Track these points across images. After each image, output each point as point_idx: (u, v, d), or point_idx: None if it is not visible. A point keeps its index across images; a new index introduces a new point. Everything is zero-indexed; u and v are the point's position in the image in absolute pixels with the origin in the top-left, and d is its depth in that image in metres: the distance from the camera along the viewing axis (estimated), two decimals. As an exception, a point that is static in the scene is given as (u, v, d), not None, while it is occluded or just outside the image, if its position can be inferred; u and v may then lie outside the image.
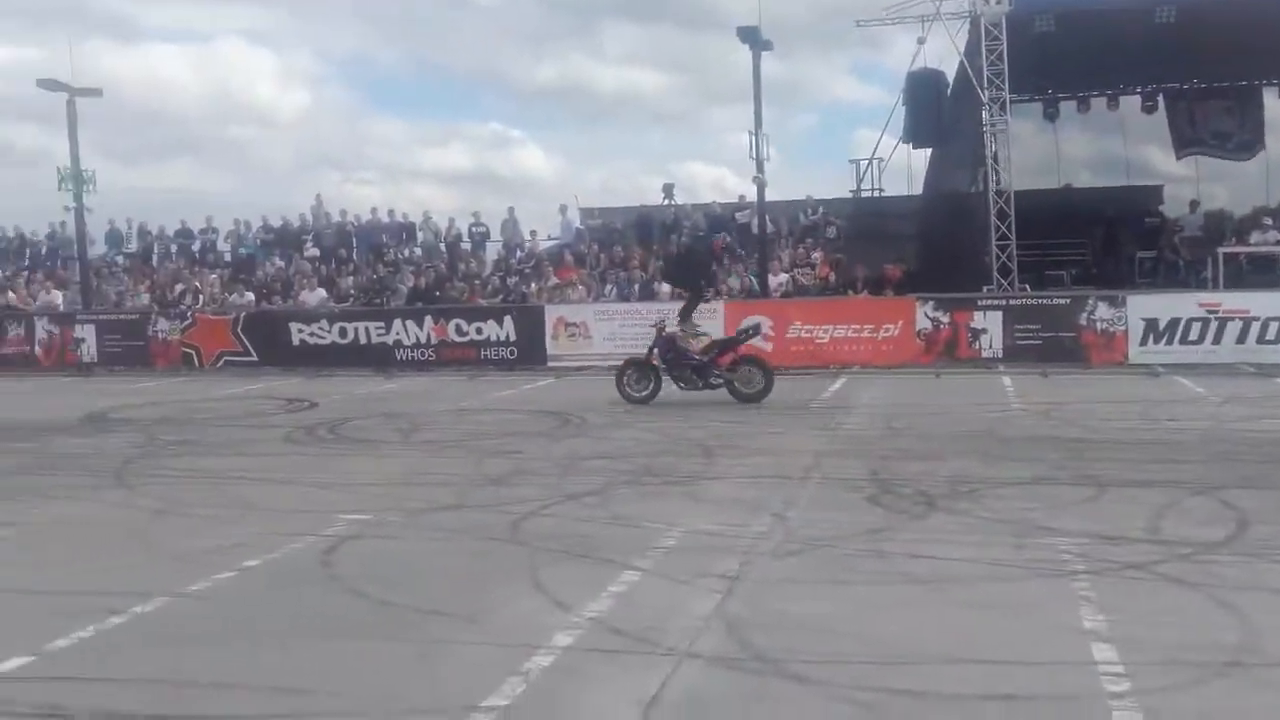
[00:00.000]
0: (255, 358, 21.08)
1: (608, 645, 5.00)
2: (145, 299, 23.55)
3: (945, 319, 18.55)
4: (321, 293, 22.58)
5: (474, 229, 25.67)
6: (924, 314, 18.61)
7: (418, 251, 25.44)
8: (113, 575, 6.39)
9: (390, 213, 26.46)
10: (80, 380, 20.62)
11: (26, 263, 26.94)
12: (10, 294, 24.14)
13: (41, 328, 22.46)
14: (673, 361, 14.23)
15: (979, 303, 18.69)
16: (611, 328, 19.84)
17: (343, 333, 20.90)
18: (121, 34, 65.96)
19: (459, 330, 20.42)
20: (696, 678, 4.61)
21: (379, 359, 20.45)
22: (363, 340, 20.78)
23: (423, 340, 20.52)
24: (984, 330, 18.40)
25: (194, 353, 21.45)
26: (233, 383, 18.86)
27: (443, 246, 25.25)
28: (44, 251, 27.13)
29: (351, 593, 5.99)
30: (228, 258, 26.21)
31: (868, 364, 18.45)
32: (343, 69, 69.33)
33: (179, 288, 23.73)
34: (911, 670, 4.60)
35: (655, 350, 14.38)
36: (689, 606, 5.55)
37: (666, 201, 25.88)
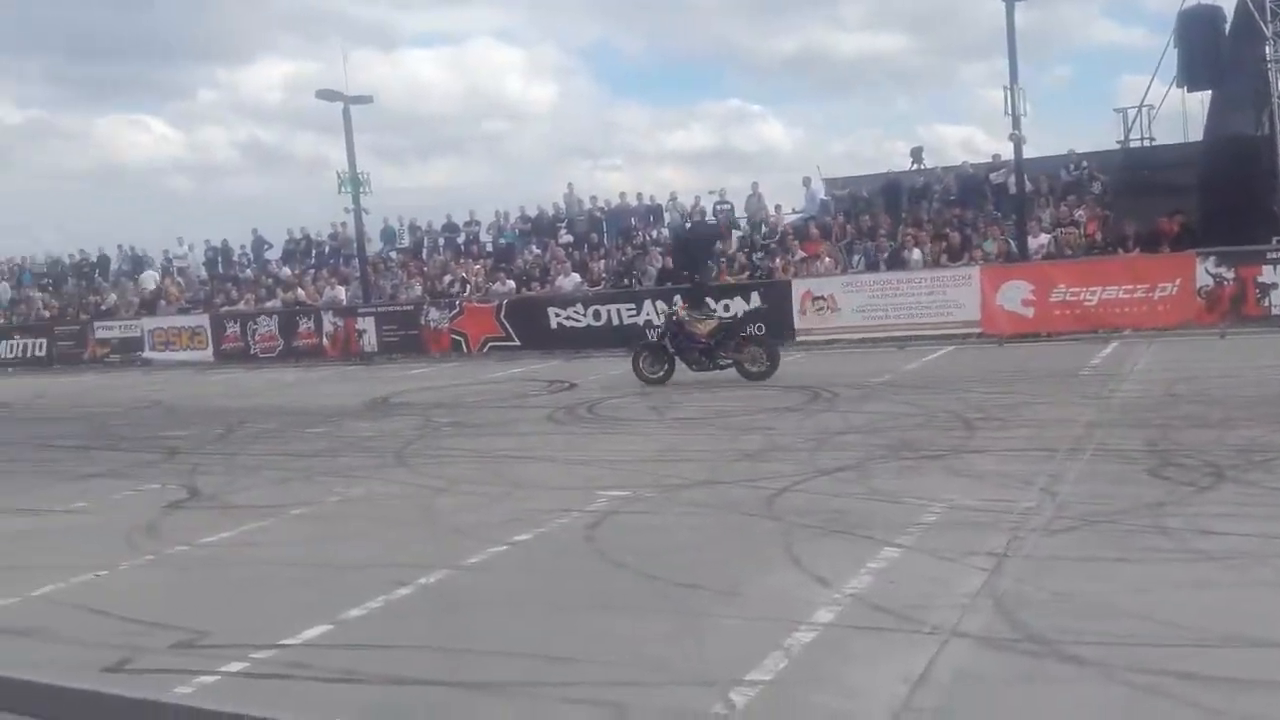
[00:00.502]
0: (517, 342, 22.08)
1: (870, 622, 4.93)
2: (418, 290, 25.12)
3: (1230, 275, 17.04)
4: (576, 277, 23.36)
5: (718, 207, 25.80)
6: (1205, 270, 17.17)
7: (664, 233, 25.85)
8: (399, 549, 6.88)
9: (638, 196, 26.99)
10: (363, 368, 22.27)
11: (313, 262, 29.31)
12: (300, 291, 26.38)
13: (328, 321, 24.40)
14: (682, 345, 14.91)
15: (1268, 255, 17.05)
16: (860, 299, 19.48)
17: (596, 315, 21.54)
18: (384, 43, 70.45)
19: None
20: (965, 657, 4.47)
21: (631, 339, 20.96)
22: (615, 322, 21.34)
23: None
24: (1274, 285, 16.78)
25: (462, 339, 22.71)
26: (497, 366, 19.86)
27: (688, 226, 25.52)
28: (327, 251, 29.43)
29: (615, 566, 6.19)
30: (489, 248, 27.52)
31: (1141, 327, 17.21)
32: (586, 60, 71.36)
33: (447, 278, 25.16)
34: (1199, 654, 4.28)
35: (666, 335, 15.16)
36: (954, 584, 5.39)
37: (915, 166, 25.07)
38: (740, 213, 25.33)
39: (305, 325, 24.65)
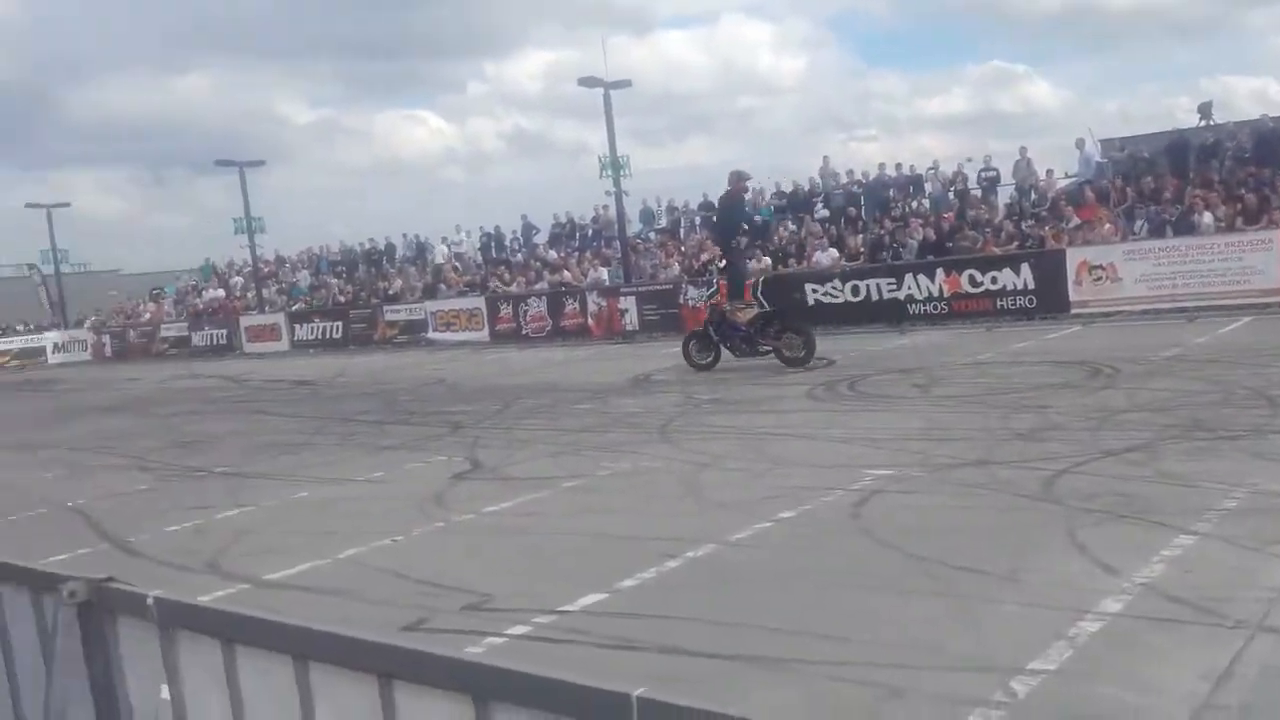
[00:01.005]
0: (779, 318, 22.03)
1: (1164, 614, 4.62)
2: (675, 269, 25.56)
3: None
4: (833, 252, 23.06)
5: (983, 174, 24.73)
6: None
7: (925, 204, 25.04)
8: (668, 523, 7.06)
9: (897, 167, 26.29)
10: (625, 346, 22.92)
11: (576, 244, 30.41)
12: (565, 272, 27.43)
13: (592, 301, 25.26)
14: (724, 333, 15.55)
15: None
16: (1144, 268, 18.17)
17: (855, 290, 21.18)
18: (639, 27, 71.90)
19: (973, 281, 19.82)
20: (1273, 654, 4.11)
21: (891, 314, 20.48)
22: (874, 297, 20.91)
23: (935, 293, 20.20)
24: None
25: (720, 317, 22.91)
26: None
27: (951, 195, 24.62)
28: (590, 233, 30.45)
29: (883, 545, 6.09)
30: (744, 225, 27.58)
31: None
32: (836, 29, 70.16)
33: (704, 257, 25.45)
34: None
35: (710, 324, 15.79)
36: (1260, 576, 4.96)
37: (1204, 122, 23.09)
38: (1007, 180, 24.20)
39: (571, 305, 25.61)
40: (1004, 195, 24.17)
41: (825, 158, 28.44)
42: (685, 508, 7.50)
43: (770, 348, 15.26)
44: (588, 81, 25.07)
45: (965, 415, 10.15)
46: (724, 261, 16.52)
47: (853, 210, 25.79)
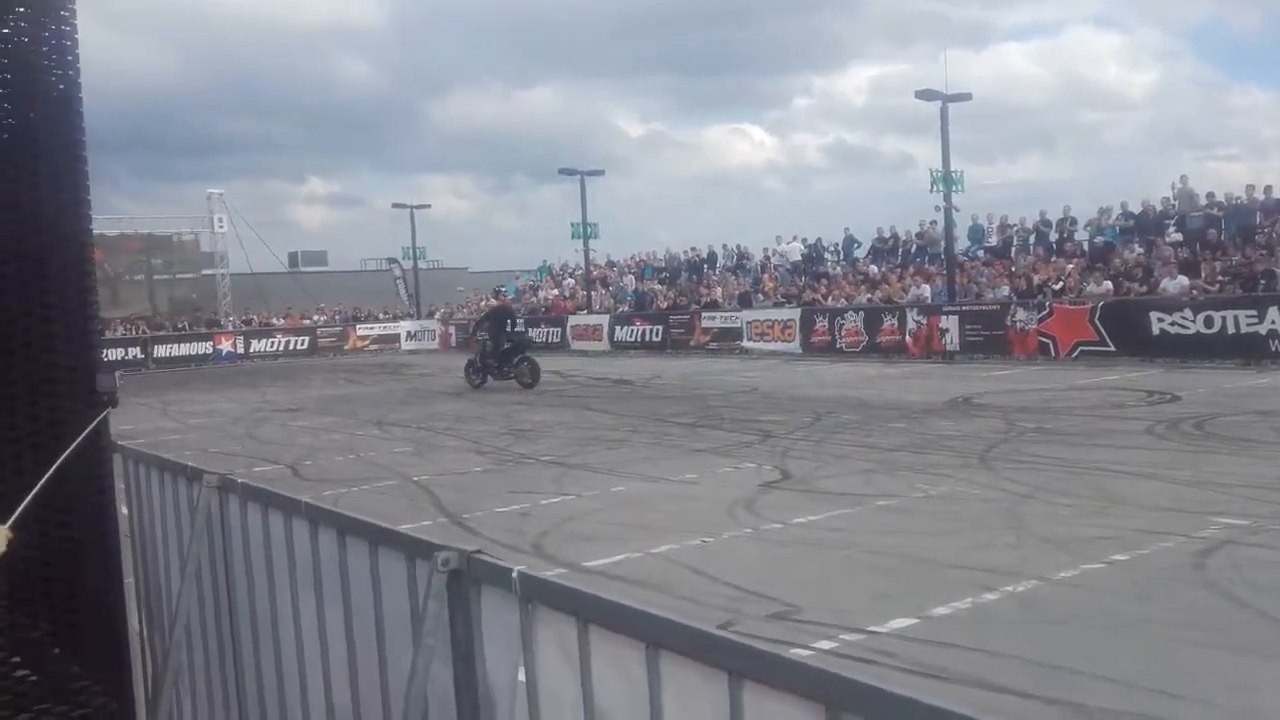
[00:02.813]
0: (1111, 347, 20.60)
1: None
2: (1005, 290, 24.44)
3: None
4: (1183, 280, 21.20)
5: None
6: None
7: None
8: (985, 553, 6.78)
9: (1266, 189, 23.78)
10: (943, 366, 22.18)
11: (898, 260, 29.76)
12: (885, 288, 26.92)
13: (911, 318, 24.63)
14: (486, 363, 21.91)
15: None
16: None
17: (1208, 322, 19.36)
18: (975, 40, 69.32)
19: (1354, 317, 17.60)
20: None
21: (1248, 350, 18.56)
22: (1230, 330, 19.02)
23: (1306, 329, 18.11)
24: None
25: (1050, 342, 21.70)
26: (1088, 372, 18.71)
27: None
28: (914, 249, 29.70)
29: (1230, 600, 5.56)
30: (1085, 246, 25.97)
31: None
32: (1195, 41, 64.38)
33: (1036, 278, 24.18)
34: None
35: (478, 354, 22.35)
36: None
37: None
38: None
39: (889, 322, 25.11)
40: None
41: (1183, 177, 26.17)
42: (1005, 539, 7.16)
43: (512, 373, 21.30)
44: (925, 94, 24.48)
45: (1337, 467, 9.04)
46: (487, 323, 22.84)
47: (1212, 234, 23.58)
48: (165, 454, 3.58)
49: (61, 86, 3.66)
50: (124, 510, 3.80)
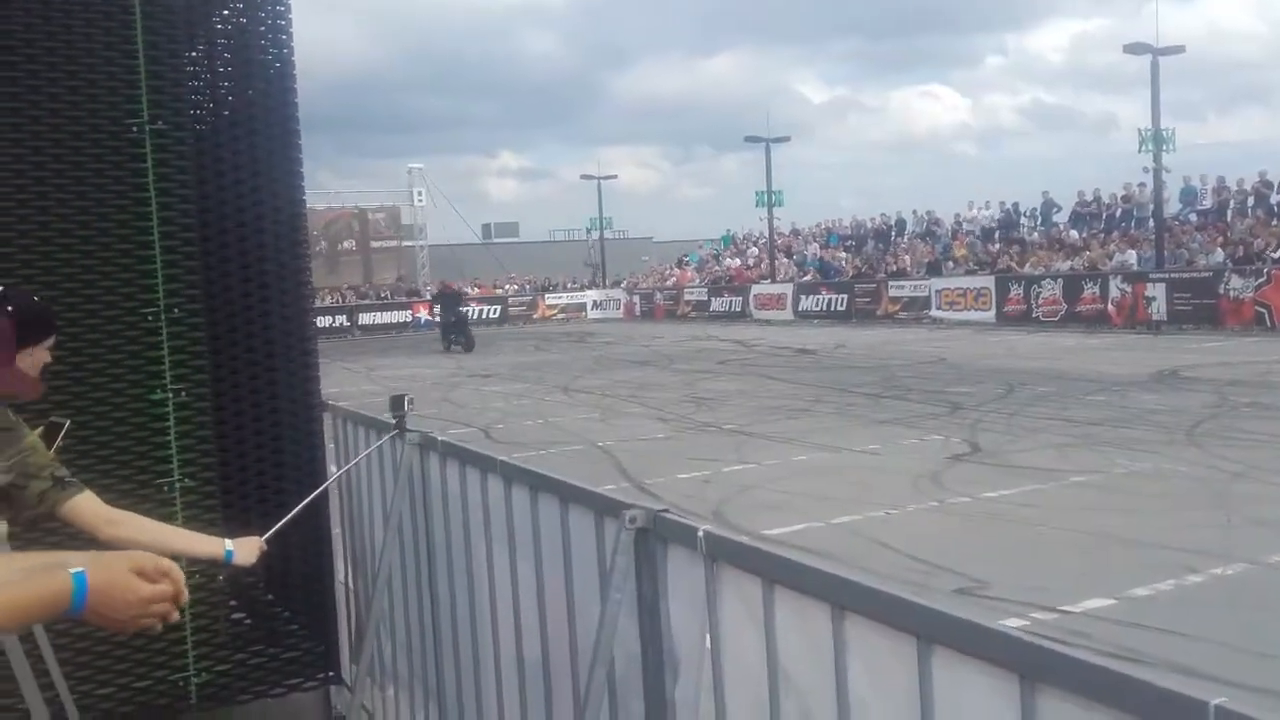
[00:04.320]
0: (1340, 318, 19.04)
1: None
2: (1219, 256, 22.90)
3: None
4: None
5: None
6: None
7: None
8: (1191, 533, 6.42)
9: None
10: (1148, 337, 21.00)
11: (1102, 225, 28.27)
12: (1087, 254, 25.64)
13: (1114, 286, 23.39)
14: (446, 332, 27.50)
15: None
16: None
17: None
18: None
19: None
20: None
21: None
22: None
23: None
24: None
25: (1266, 311, 20.23)
26: (1313, 345, 17.35)
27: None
28: (1119, 213, 28.13)
29: None
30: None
31: None
32: None
33: (1256, 243, 22.54)
34: None
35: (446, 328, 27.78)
36: None
37: None
38: None
39: (1090, 290, 23.93)
40: None
41: None
42: (1212, 519, 6.76)
43: (460, 342, 26.53)
44: (1134, 48, 23.10)
45: None
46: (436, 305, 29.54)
47: None
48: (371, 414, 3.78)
49: (277, 65, 3.89)
50: (332, 468, 4.04)
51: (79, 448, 3.32)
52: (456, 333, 27.00)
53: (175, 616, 1.49)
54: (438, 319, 28.85)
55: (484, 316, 40.78)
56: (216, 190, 3.81)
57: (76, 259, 3.46)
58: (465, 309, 29.43)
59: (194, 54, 3.98)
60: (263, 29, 3.90)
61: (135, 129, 3.54)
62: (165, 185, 3.57)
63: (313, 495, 3.25)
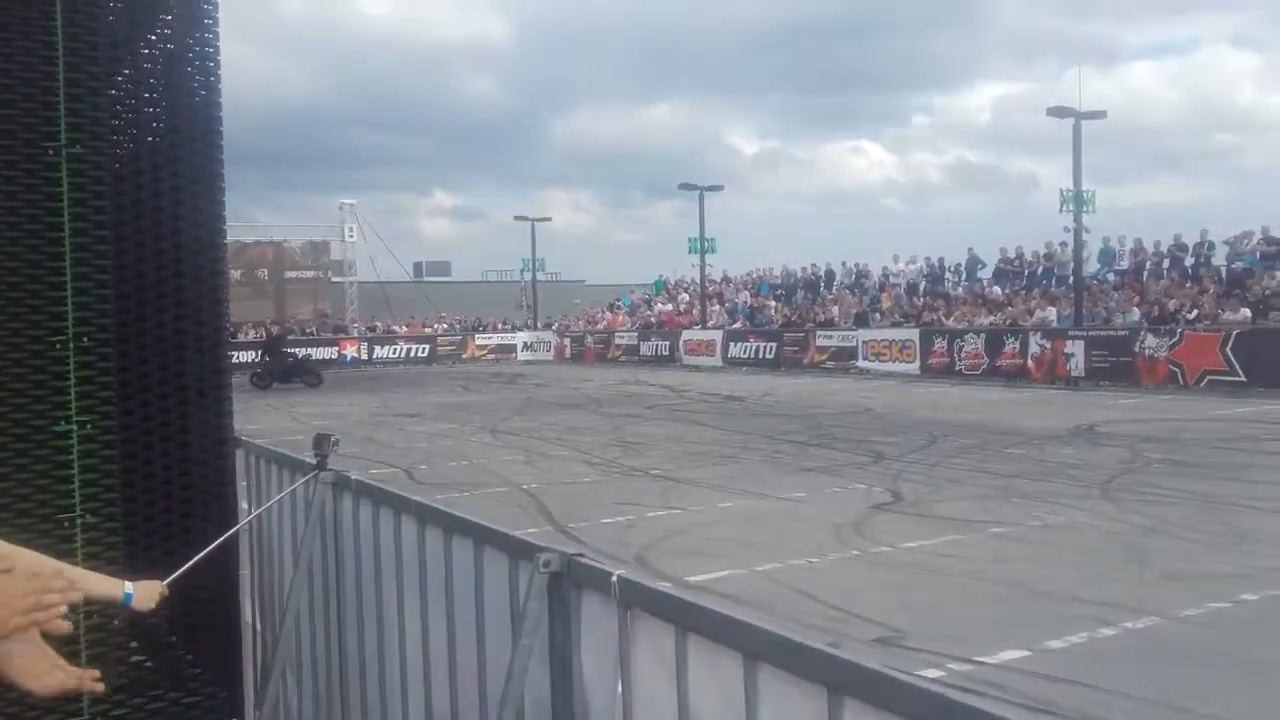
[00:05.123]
0: (1243, 378, 19.67)
1: None
2: (1135, 315, 23.59)
3: None
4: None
5: None
6: None
7: None
8: (1104, 586, 6.52)
9: None
10: (1067, 392, 21.49)
11: (1024, 282, 28.97)
12: (1008, 309, 26.22)
13: (1034, 342, 23.93)
14: (272, 374, 28.92)
15: None
16: None
17: (1355, 354, 18.35)
18: (1102, 59, 67.31)
19: None
20: None
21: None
22: (1382, 363, 17.99)
23: None
24: None
25: (1179, 370, 20.85)
26: (1218, 404, 17.91)
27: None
28: (1040, 271, 28.85)
29: (1373, 652, 5.22)
30: (1223, 273, 24.88)
31: None
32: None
33: (1171, 304, 23.26)
34: None
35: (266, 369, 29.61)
36: None
37: None
38: None
39: (1011, 345, 24.45)
40: None
41: (1330, 201, 24.85)
42: (1126, 573, 6.88)
43: (301, 381, 28.25)
44: (1058, 111, 23.84)
45: None
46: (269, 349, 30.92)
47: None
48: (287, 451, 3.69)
49: (203, 93, 3.83)
50: (244, 505, 3.93)
51: (-25, 479, 3.18)
52: (299, 373, 29.06)
53: (54, 616, 1.39)
54: (264, 358, 30.73)
55: (412, 355, 40.38)
56: (134, 218, 3.71)
57: (-18, 284, 3.34)
58: (296, 351, 32.87)
59: (117, 78, 3.89)
60: (190, 54, 3.83)
61: (51, 151, 3.44)
62: (80, 210, 3.46)
63: (220, 540, 3.14)
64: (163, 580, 2.54)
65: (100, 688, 1.41)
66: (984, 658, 5.24)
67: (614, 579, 1.66)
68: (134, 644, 3.75)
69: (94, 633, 3.21)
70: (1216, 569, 6.81)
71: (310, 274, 45.88)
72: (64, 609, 1.39)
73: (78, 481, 3.42)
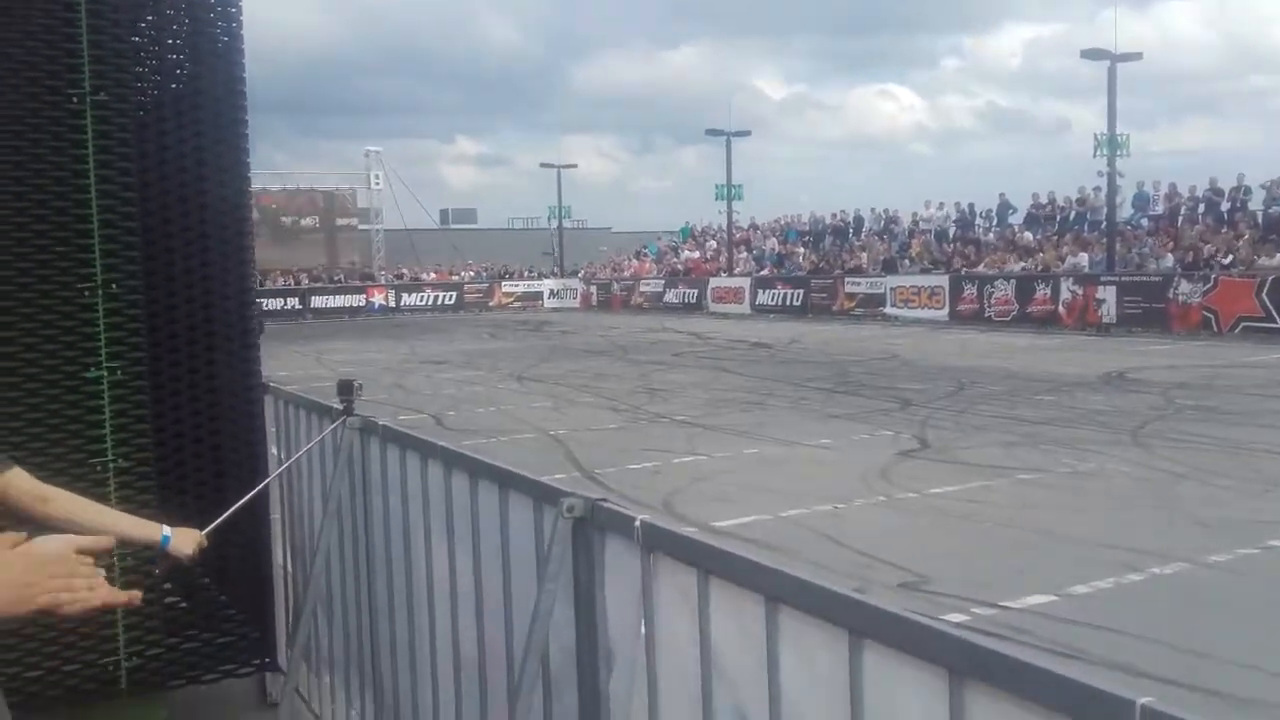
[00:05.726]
0: (1278, 324, 19.41)
1: None
2: (1169, 261, 23.27)
3: None
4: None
5: None
6: None
7: None
8: (1132, 532, 6.50)
9: None
10: (1097, 339, 21.30)
11: (1055, 227, 28.60)
12: (1040, 256, 25.94)
13: (1066, 288, 23.68)
14: None
15: None
16: None
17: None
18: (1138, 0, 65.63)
19: None
20: None
21: None
22: None
23: None
24: None
25: (1213, 316, 20.59)
26: (1252, 350, 17.70)
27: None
28: (1072, 216, 28.46)
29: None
30: (1259, 218, 24.44)
31: None
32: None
33: (1206, 249, 22.92)
34: None
35: None
36: None
37: None
38: None
39: (1042, 291, 24.21)
40: None
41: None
42: (1155, 519, 6.86)
43: None
44: (1092, 54, 23.38)
45: None
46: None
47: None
48: (316, 398, 3.72)
49: (225, 39, 3.81)
50: (273, 450, 3.97)
51: (10, 424, 3.23)
52: None
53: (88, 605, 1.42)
54: None
55: (439, 303, 40.47)
56: (159, 165, 3.72)
57: (10, 231, 3.36)
58: None
59: (141, 25, 3.88)
60: (213, 2, 3.81)
61: (76, 99, 3.44)
62: (105, 158, 3.47)
63: (254, 491, 3.18)
64: (200, 530, 2.58)
65: (139, 599, 1.44)
66: (1009, 602, 5.25)
67: (637, 523, 1.67)
68: (168, 586, 3.82)
69: (130, 575, 3.27)
70: (1246, 515, 6.77)
71: (350, 220, 46.04)
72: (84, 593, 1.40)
73: (109, 426, 3.46)
